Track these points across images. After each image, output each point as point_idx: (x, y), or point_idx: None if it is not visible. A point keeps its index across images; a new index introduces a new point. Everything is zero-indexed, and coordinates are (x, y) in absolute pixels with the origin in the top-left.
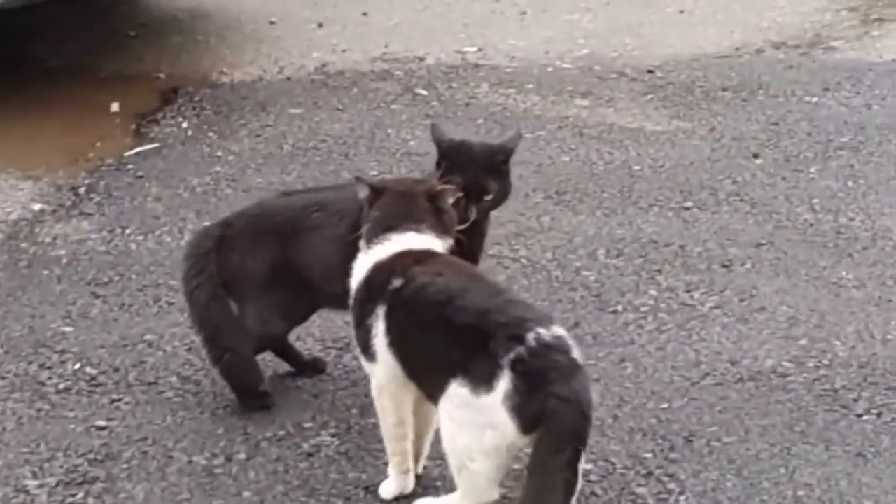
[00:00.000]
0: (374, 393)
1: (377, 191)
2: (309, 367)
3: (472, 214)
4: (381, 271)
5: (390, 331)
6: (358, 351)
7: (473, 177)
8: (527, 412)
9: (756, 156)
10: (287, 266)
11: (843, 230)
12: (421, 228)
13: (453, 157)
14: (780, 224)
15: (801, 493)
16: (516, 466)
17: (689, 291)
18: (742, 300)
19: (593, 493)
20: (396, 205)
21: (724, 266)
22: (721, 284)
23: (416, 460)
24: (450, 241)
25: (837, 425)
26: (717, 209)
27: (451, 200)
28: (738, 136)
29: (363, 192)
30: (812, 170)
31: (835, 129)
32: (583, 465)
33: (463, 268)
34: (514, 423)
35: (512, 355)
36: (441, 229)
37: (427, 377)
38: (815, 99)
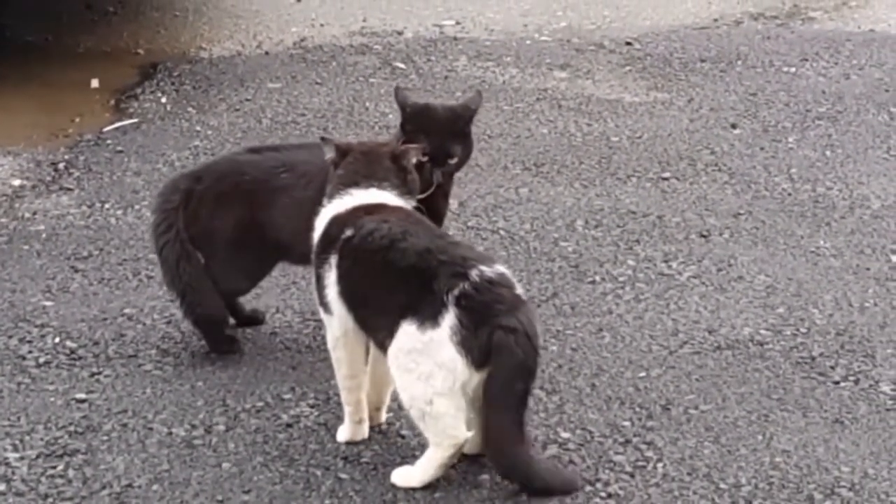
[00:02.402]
0: (329, 345)
1: (343, 151)
2: (252, 321)
3: (438, 178)
4: (337, 223)
5: (340, 279)
6: (317, 304)
7: (438, 142)
8: (474, 346)
9: (734, 126)
10: (253, 225)
11: (820, 199)
12: (383, 186)
13: (417, 121)
14: (759, 194)
15: (778, 459)
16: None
17: (667, 261)
18: (720, 269)
19: (571, 462)
20: (360, 164)
21: (703, 236)
22: (699, 254)
23: (378, 409)
24: (412, 202)
25: (815, 392)
26: (696, 179)
27: (414, 160)
28: (716, 107)
29: (329, 153)
30: (790, 140)
31: (813, 100)
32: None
33: (407, 213)
34: (463, 358)
35: (456, 291)
36: (403, 189)
37: (376, 323)
38: (793, 69)
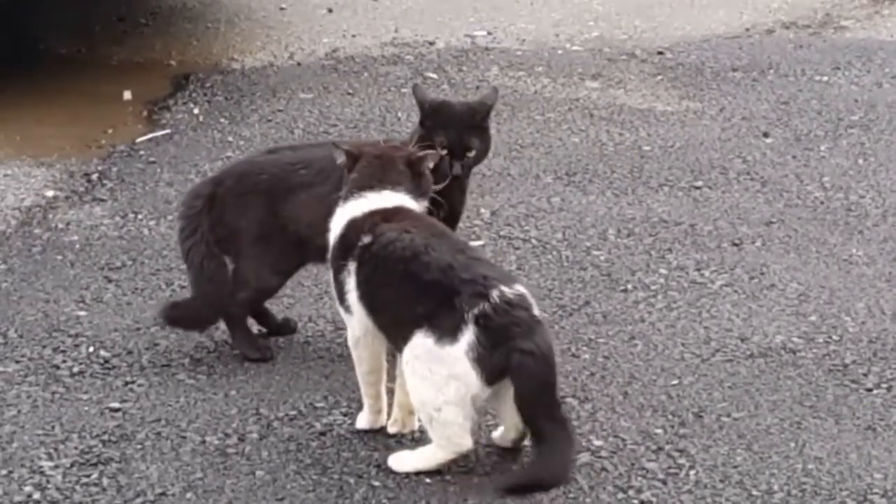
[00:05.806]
0: (350, 343)
1: (354, 156)
2: (284, 330)
3: (457, 170)
4: (354, 228)
5: (360, 285)
6: (337, 303)
7: (456, 135)
8: (489, 364)
9: (766, 135)
10: (276, 222)
11: (853, 207)
12: (397, 189)
13: (436, 116)
14: (791, 202)
15: (811, 466)
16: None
17: (699, 269)
18: (752, 278)
19: (604, 469)
20: (374, 167)
21: (735, 244)
22: (731, 262)
23: (411, 413)
24: (425, 203)
25: (847, 400)
26: (728, 188)
27: (430, 166)
28: (748, 116)
29: (341, 158)
30: (822, 148)
31: (845, 108)
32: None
33: (428, 224)
34: (477, 374)
35: (476, 310)
36: (417, 192)
37: (394, 329)
38: (825, 78)
